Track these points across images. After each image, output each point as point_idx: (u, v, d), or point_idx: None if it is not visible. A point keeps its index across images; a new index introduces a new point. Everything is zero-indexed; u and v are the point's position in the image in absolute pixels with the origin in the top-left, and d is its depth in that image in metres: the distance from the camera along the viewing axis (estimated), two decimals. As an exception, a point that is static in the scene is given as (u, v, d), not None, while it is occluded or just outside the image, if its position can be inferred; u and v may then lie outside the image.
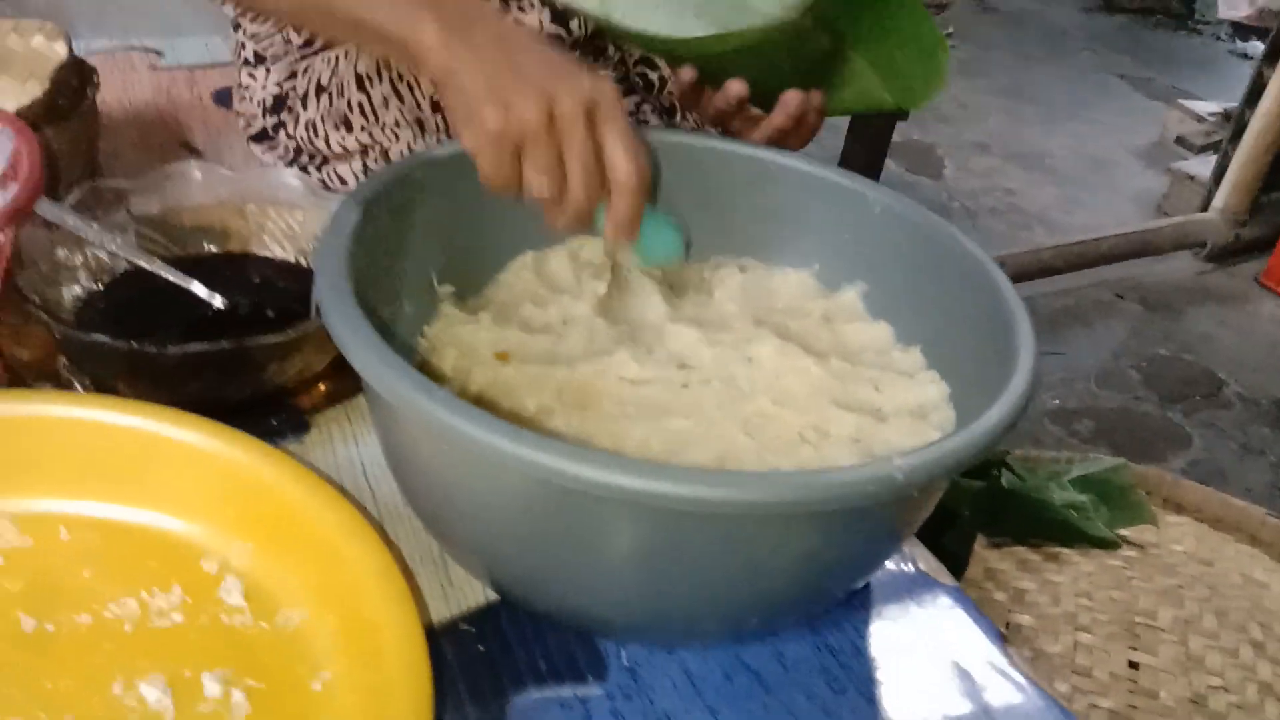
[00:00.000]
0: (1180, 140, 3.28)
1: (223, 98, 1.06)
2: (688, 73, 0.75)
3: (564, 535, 0.50)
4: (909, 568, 0.64)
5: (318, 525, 0.54)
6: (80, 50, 1.11)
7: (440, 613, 0.57)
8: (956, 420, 0.63)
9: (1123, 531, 1.21)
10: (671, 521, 0.47)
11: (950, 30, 1.86)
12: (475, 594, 0.58)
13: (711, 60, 0.75)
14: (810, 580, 0.53)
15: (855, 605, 0.61)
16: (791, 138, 0.78)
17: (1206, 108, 3.33)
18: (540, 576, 0.53)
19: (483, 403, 0.64)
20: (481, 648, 0.55)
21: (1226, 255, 2.75)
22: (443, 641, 0.55)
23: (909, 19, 0.78)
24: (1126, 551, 1.18)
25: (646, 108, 0.95)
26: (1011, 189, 3.01)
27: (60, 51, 0.86)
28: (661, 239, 0.69)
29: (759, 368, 0.67)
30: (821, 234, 0.74)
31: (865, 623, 0.61)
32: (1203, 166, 2.91)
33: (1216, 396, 2.22)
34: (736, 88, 0.74)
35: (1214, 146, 3.00)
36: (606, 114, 0.58)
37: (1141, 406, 2.16)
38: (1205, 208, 2.78)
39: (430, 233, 0.67)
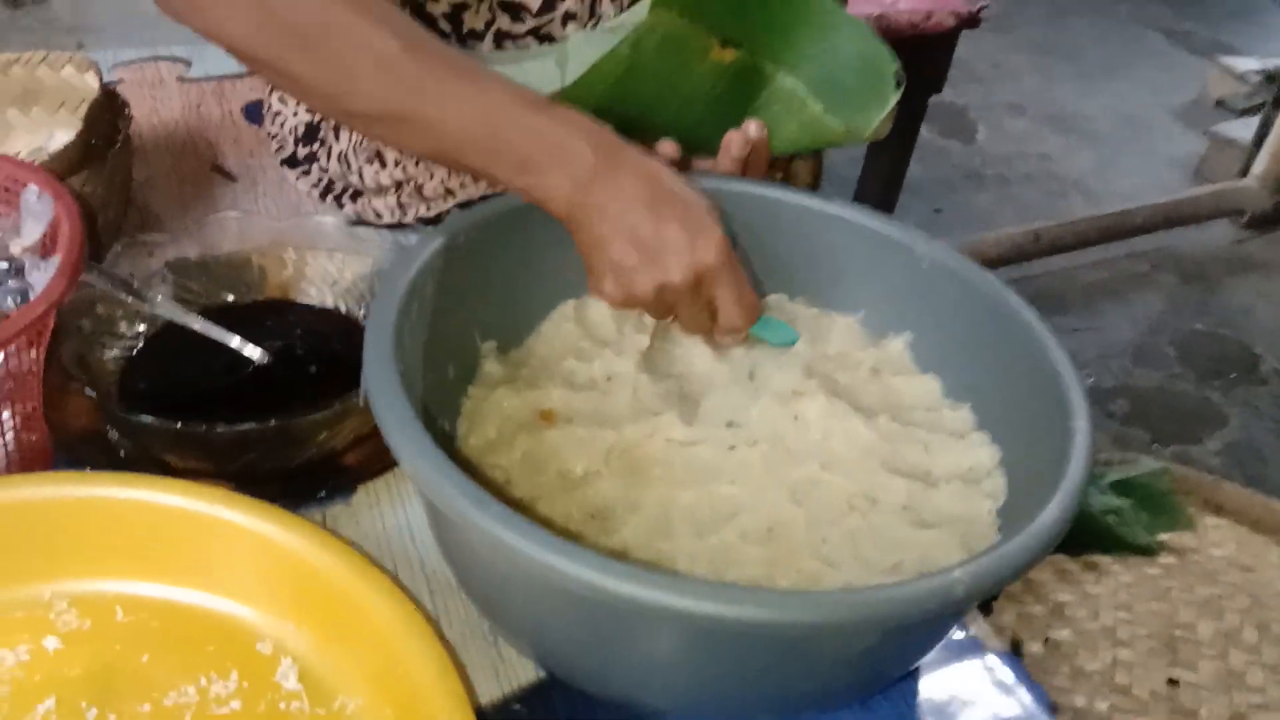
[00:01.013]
0: (1221, 103, 3.20)
1: (253, 113, 1.05)
2: (667, 146, 0.73)
3: (616, 638, 0.50)
4: (959, 634, 0.64)
5: (372, 613, 0.54)
6: (108, 62, 1.11)
7: (491, 690, 0.57)
8: (1008, 487, 0.62)
9: (1162, 537, 1.20)
10: (723, 633, 0.47)
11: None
12: (526, 671, 0.58)
13: (629, 102, 0.72)
14: (866, 673, 0.53)
15: (905, 674, 0.61)
16: (748, 172, 0.76)
17: (1248, 64, 3.24)
18: (592, 667, 0.54)
19: (528, 463, 0.64)
20: (533, 727, 0.56)
21: (1266, 223, 2.69)
22: (495, 721, 0.55)
23: (847, 36, 0.74)
24: (1166, 559, 1.18)
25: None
26: (1046, 154, 2.95)
27: (92, 84, 0.86)
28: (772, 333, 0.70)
29: (807, 427, 0.66)
30: (868, 282, 0.73)
31: (915, 693, 0.61)
32: (1243, 130, 2.84)
33: (1254, 373, 2.19)
34: (665, 149, 0.72)
35: (1256, 109, 2.93)
36: (717, 277, 0.63)
37: (1177, 385, 2.14)
38: (1245, 173, 2.72)
39: (473, 293, 0.67)
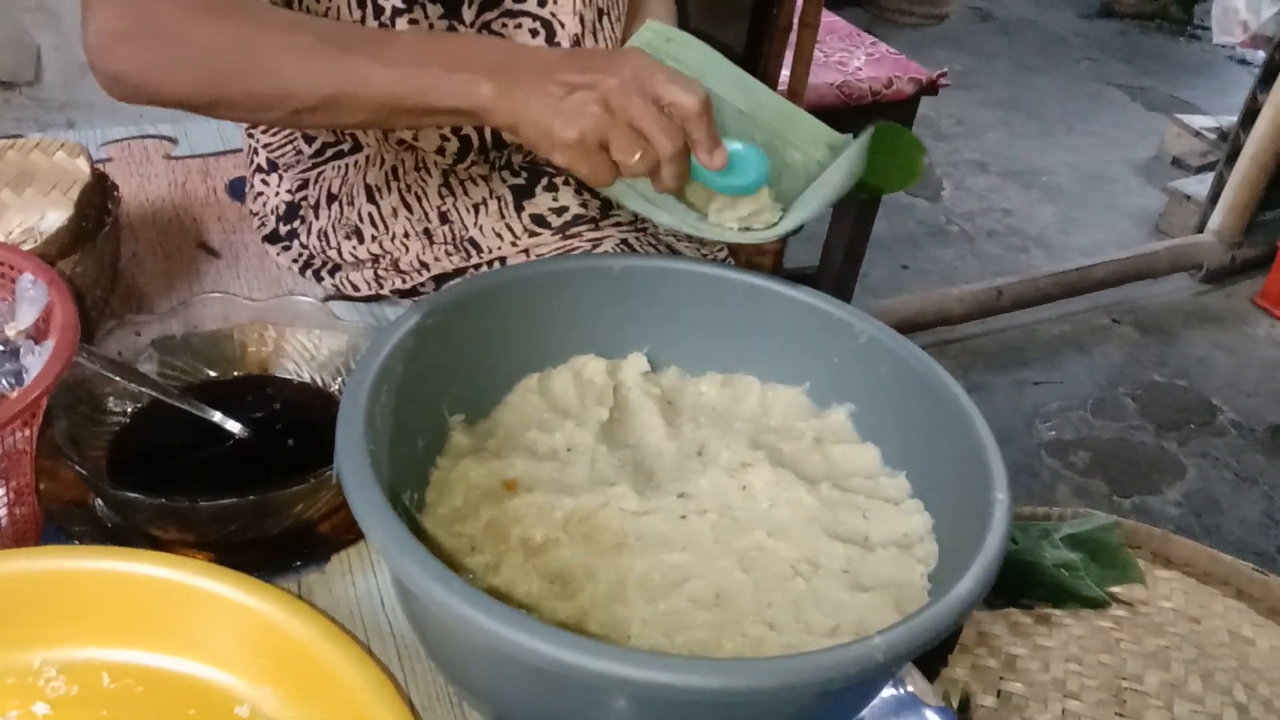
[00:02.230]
0: (1177, 161, 3.31)
1: (237, 190, 1.10)
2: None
3: (569, 703, 0.53)
4: (898, 691, 0.68)
5: (343, 679, 0.58)
6: (96, 140, 1.16)
7: (456, 750, 0.61)
8: (939, 554, 0.66)
9: (1113, 589, 1.25)
10: (668, 699, 0.51)
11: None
12: (488, 731, 0.62)
13: None
14: (802, 731, 0.57)
15: (845, 730, 0.65)
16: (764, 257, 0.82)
17: (1204, 123, 3.35)
18: (550, 729, 0.57)
19: (492, 531, 0.68)
20: (495, 785, 0.59)
21: (1223, 276, 2.78)
22: (459, 780, 0.59)
23: (902, 142, 0.82)
24: (1116, 611, 1.22)
25: (647, 239, 0.99)
26: (1009, 209, 3.04)
27: (83, 168, 0.90)
28: (746, 165, 0.74)
29: (754, 497, 0.70)
30: (811, 356, 0.77)
31: (855, 748, 0.64)
32: (1199, 186, 2.94)
33: (1211, 424, 2.26)
34: None
35: (1211, 166, 3.03)
36: (646, 75, 0.68)
37: (1137, 436, 2.20)
38: (1202, 227, 2.81)
39: (442, 370, 0.71)
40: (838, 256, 2.16)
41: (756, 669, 0.48)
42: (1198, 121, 3.37)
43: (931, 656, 1.11)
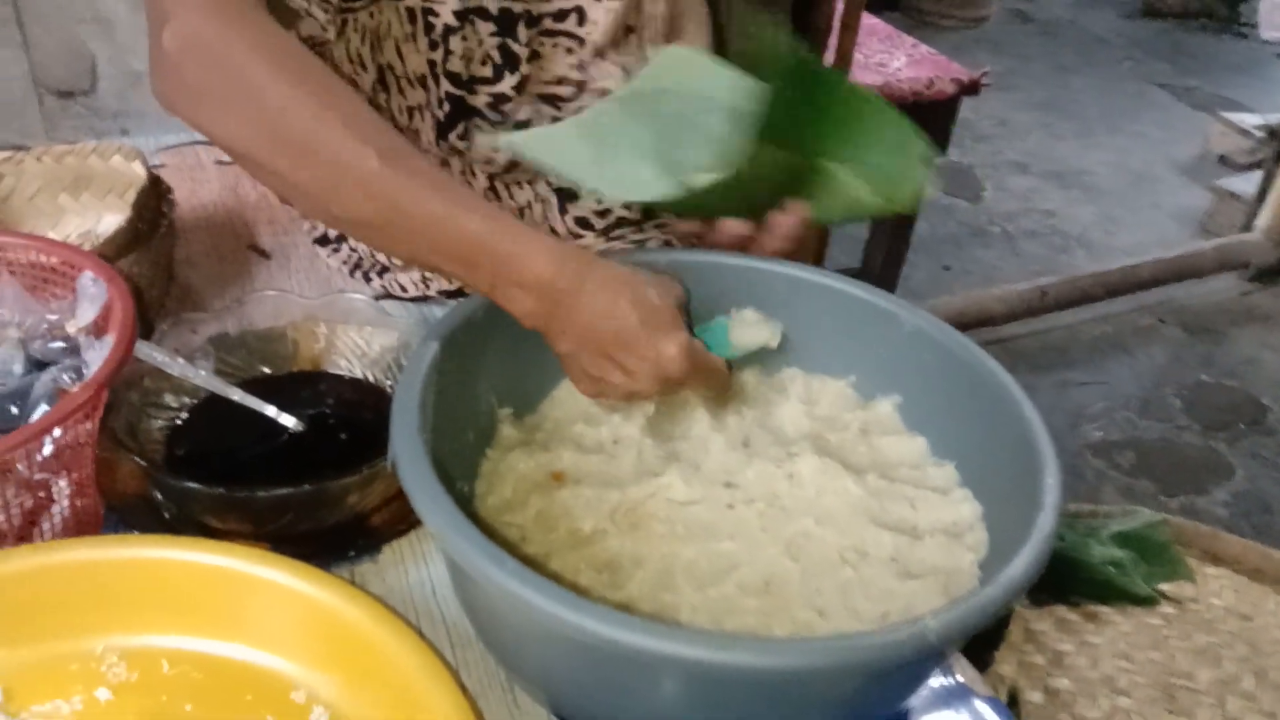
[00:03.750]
0: (1223, 160, 3.26)
1: (285, 193, 1.11)
2: (685, 225, 0.81)
3: (622, 684, 0.54)
4: (948, 680, 0.68)
5: (398, 664, 0.58)
6: (150, 147, 1.18)
7: (508, 735, 0.62)
8: (989, 542, 0.66)
9: (1162, 587, 1.23)
10: (718, 678, 0.51)
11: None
12: (540, 717, 0.63)
13: (690, 206, 0.80)
14: (854, 715, 0.57)
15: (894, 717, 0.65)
16: (793, 252, 0.82)
17: (1251, 120, 3.30)
18: (601, 712, 0.58)
19: (541, 521, 0.69)
20: (547, 770, 0.60)
21: (1271, 275, 2.73)
22: (511, 764, 0.60)
23: (888, 128, 0.80)
24: (1165, 608, 1.21)
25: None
26: (1051, 210, 3.01)
27: (139, 172, 0.93)
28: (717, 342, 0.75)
29: (800, 486, 0.71)
30: (857, 348, 0.78)
31: (904, 736, 0.64)
32: (1246, 184, 2.90)
33: (1260, 424, 2.22)
34: (733, 227, 0.79)
35: (1258, 164, 2.99)
36: (684, 382, 0.69)
37: (1183, 436, 2.17)
38: (1249, 226, 2.77)
39: (491, 364, 0.72)
40: (878, 258, 2.16)
41: (810, 648, 0.49)
42: (1245, 119, 3.33)
43: (979, 653, 1.10)
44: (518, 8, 0.84)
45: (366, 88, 0.87)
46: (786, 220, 0.79)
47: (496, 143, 0.85)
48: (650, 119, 0.82)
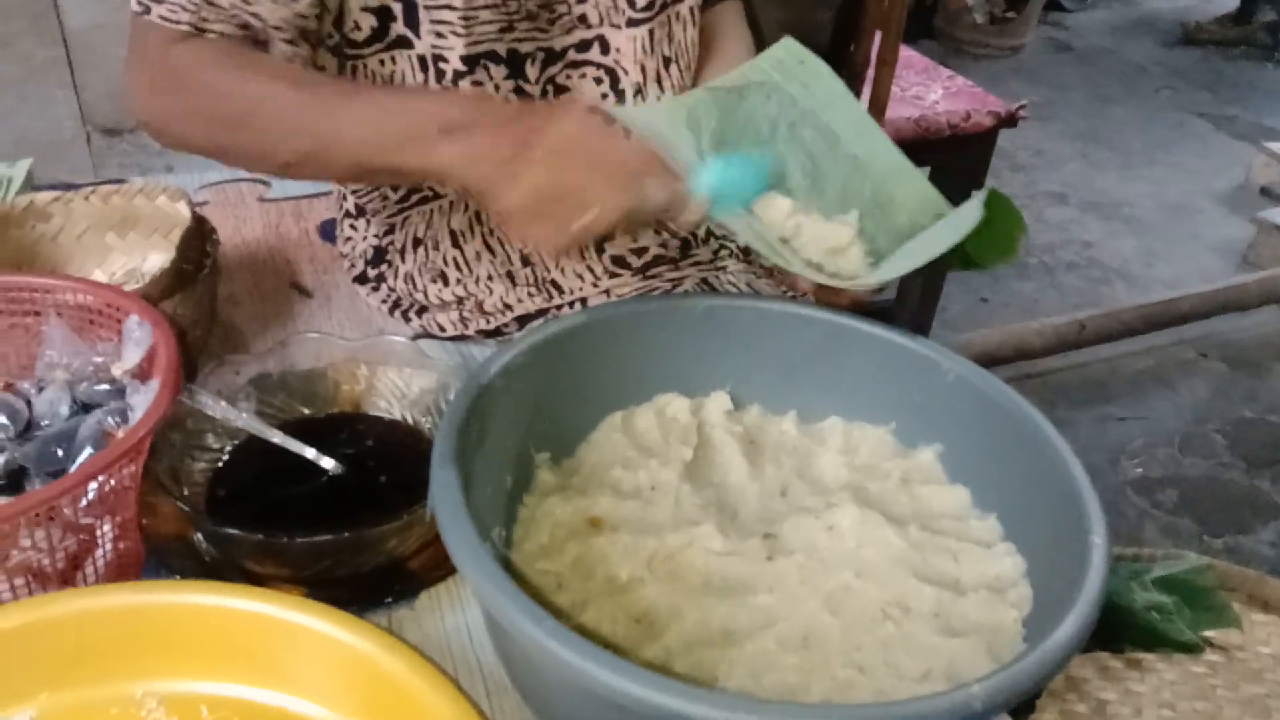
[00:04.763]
0: (1265, 191, 3.22)
1: (328, 231, 1.13)
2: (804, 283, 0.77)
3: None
4: (988, 737, 0.66)
5: (434, 713, 0.58)
6: (193, 184, 1.20)
7: (544, 788, 0.61)
8: (1033, 599, 0.65)
9: (1207, 634, 1.20)
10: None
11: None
12: (576, 769, 0.62)
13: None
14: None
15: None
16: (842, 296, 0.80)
17: (1293, 150, 3.26)
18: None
19: (578, 568, 0.68)
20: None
21: (1315, 309, 2.69)
22: (547, 819, 0.59)
23: (1001, 212, 0.78)
24: (1211, 656, 1.18)
25: (726, 279, 0.99)
26: (1089, 241, 2.98)
27: (184, 213, 0.94)
28: (734, 181, 0.73)
29: (840, 538, 0.70)
30: (897, 395, 0.77)
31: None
32: (1289, 215, 2.86)
33: (1306, 462, 2.18)
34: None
35: (1301, 195, 2.95)
36: (636, 177, 0.70)
37: (1227, 474, 2.13)
38: (1292, 259, 2.73)
39: (528, 410, 0.72)
40: (915, 290, 2.14)
41: (852, 716, 0.48)
42: (1287, 149, 3.28)
43: (1020, 702, 1.08)
44: (526, 47, 0.84)
45: None
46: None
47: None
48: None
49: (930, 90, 2.03)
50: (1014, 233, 0.77)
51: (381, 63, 0.84)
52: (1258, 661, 1.18)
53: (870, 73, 1.71)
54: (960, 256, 0.75)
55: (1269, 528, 2.01)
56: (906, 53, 2.13)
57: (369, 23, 0.81)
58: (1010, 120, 1.99)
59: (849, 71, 1.67)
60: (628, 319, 0.78)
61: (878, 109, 1.66)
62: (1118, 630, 1.19)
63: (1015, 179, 3.25)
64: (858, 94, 1.68)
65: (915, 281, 2.18)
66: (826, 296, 0.78)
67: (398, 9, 0.81)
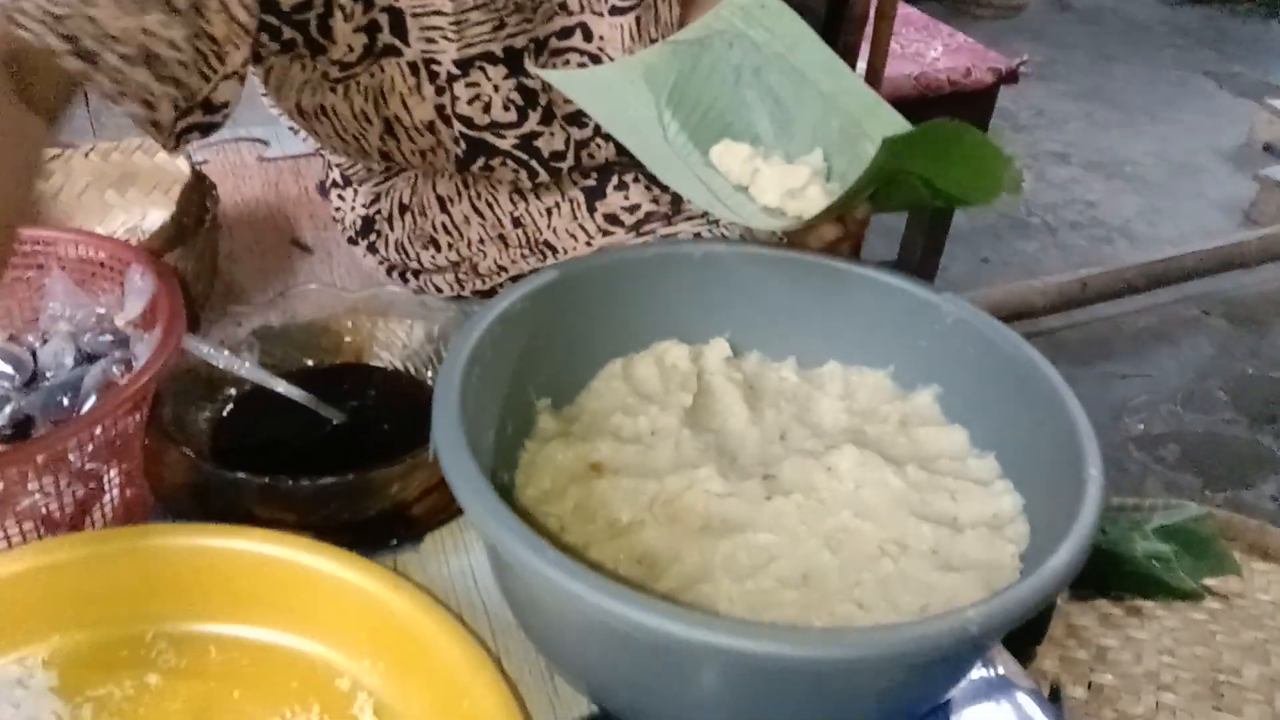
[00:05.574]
0: (1269, 148, 3.21)
1: (326, 189, 1.12)
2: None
3: (661, 673, 0.54)
4: (989, 672, 0.67)
5: (440, 651, 0.59)
6: (193, 144, 1.20)
7: (548, 722, 0.62)
8: (1030, 535, 0.66)
9: (1207, 581, 1.22)
10: (758, 668, 0.51)
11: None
12: (580, 705, 0.63)
13: None
14: (894, 706, 0.57)
15: (935, 712, 0.65)
16: (843, 244, 0.80)
17: (1297, 107, 3.25)
18: (640, 701, 0.58)
19: (579, 512, 0.69)
20: (587, 758, 0.60)
21: (1318, 265, 2.68)
22: (552, 752, 0.60)
23: (972, 145, 0.75)
24: (1211, 603, 1.19)
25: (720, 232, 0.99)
26: (1092, 200, 2.97)
27: (183, 169, 0.94)
28: None
29: (839, 478, 0.70)
30: (896, 339, 0.77)
31: (945, 728, 0.64)
32: (1293, 172, 2.85)
33: (1308, 417, 2.19)
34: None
35: (1305, 151, 2.93)
36: None
37: (1229, 429, 2.14)
38: (1296, 215, 2.72)
39: (528, 356, 0.72)
40: (916, 249, 2.14)
41: (851, 639, 0.49)
42: (1290, 107, 3.27)
43: (1021, 647, 1.10)
44: (520, 41, 0.84)
45: (375, 138, 0.86)
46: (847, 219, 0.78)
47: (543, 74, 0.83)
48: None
49: (930, 47, 2.01)
50: (997, 170, 0.76)
51: (371, 74, 0.82)
52: (1257, 608, 1.19)
53: (869, 30, 1.70)
54: (938, 193, 0.74)
55: (1270, 482, 2.02)
56: (906, 10, 2.11)
57: (360, 42, 0.80)
58: (1011, 77, 1.98)
59: (846, 27, 1.66)
60: (626, 266, 0.78)
61: (876, 64, 1.66)
62: (1118, 578, 1.20)
63: (1018, 139, 3.24)
64: (856, 49, 1.67)
65: (916, 240, 2.18)
66: (796, 239, 0.78)
67: (383, 19, 0.79)
